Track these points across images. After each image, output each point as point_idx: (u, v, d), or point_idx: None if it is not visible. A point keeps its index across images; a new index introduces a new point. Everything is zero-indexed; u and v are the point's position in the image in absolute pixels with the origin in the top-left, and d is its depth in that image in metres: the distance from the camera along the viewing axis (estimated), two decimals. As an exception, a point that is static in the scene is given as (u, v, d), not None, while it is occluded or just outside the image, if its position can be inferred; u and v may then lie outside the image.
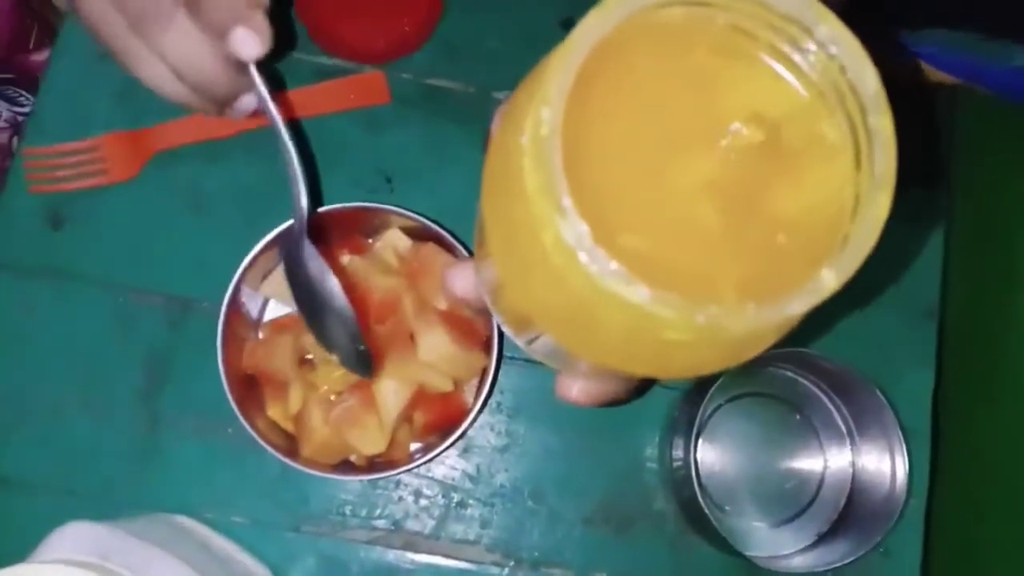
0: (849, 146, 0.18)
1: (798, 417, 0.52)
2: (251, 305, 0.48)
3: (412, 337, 0.45)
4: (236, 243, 0.45)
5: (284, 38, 0.53)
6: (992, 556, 0.50)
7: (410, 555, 0.49)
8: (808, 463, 0.51)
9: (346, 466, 0.47)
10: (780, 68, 0.19)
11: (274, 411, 0.47)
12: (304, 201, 0.39)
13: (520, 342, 0.25)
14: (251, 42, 0.37)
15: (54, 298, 0.51)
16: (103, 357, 0.50)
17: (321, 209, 0.45)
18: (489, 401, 0.51)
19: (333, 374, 0.45)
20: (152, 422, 0.50)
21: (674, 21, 0.18)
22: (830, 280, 0.17)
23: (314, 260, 0.40)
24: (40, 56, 0.72)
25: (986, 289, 0.55)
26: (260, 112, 0.40)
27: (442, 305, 0.45)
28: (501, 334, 0.45)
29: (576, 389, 0.26)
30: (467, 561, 0.49)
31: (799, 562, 0.48)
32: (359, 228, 0.49)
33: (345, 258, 0.47)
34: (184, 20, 0.38)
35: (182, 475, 0.49)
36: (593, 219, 0.16)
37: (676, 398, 0.51)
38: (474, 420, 0.45)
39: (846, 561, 0.46)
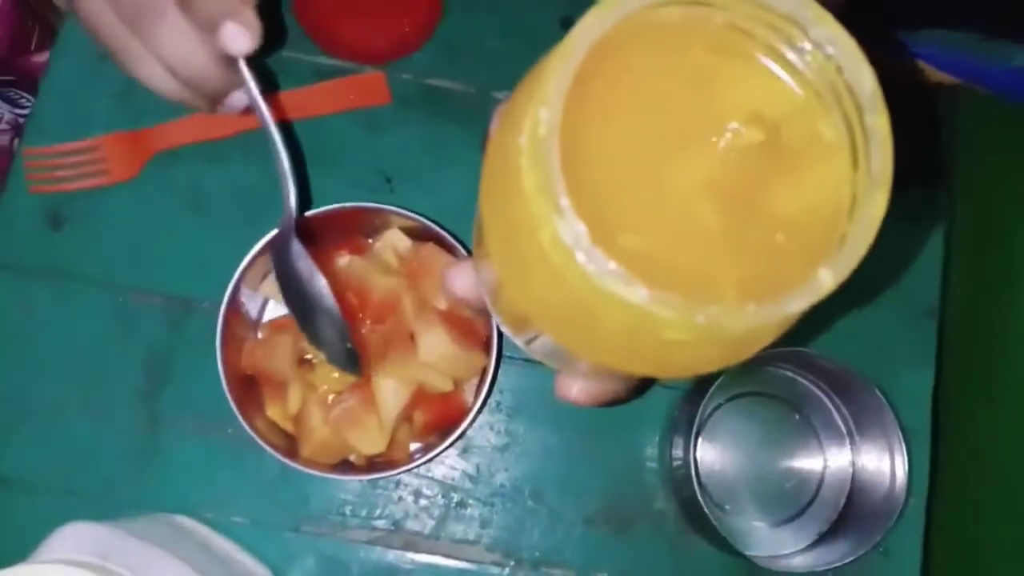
0: (846, 145, 0.18)
1: (798, 417, 0.52)
2: (250, 305, 0.48)
3: (412, 337, 0.45)
4: (236, 243, 0.45)
5: (275, 35, 0.53)
6: (992, 556, 0.50)
7: (410, 555, 0.49)
8: (808, 463, 0.51)
9: (346, 466, 0.47)
10: (777, 67, 0.19)
11: (273, 411, 0.47)
12: (292, 199, 0.39)
13: (519, 342, 0.25)
14: (241, 37, 0.37)
15: (54, 298, 0.51)
16: (103, 357, 0.50)
17: (321, 209, 0.45)
18: (489, 401, 0.51)
19: (332, 374, 0.45)
20: (152, 422, 0.50)
21: (672, 20, 0.18)
22: (827, 280, 0.17)
23: (302, 259, 0.40)
24: (41, 58, 0.71)
25: (986, 289, 0.55)
26: (253, 109, 0.40)
27: (442, 305, 0.45)
28: (501, 334, 0.45)
29: (576, 389, 0.26)
30: (467, 561, 0.49)
31: (799, 562, 0.48)
32: (359, 228, 0.49)
33: (345, 258, 0.47)
34: (176, 16, 0.38)
35: (182, 475, 0.49)
36: (592, 219, 0.16)
37: (676, 398, 0.51)
38: (474, 420, 0.45)
39: (846, 561, 0.46)
